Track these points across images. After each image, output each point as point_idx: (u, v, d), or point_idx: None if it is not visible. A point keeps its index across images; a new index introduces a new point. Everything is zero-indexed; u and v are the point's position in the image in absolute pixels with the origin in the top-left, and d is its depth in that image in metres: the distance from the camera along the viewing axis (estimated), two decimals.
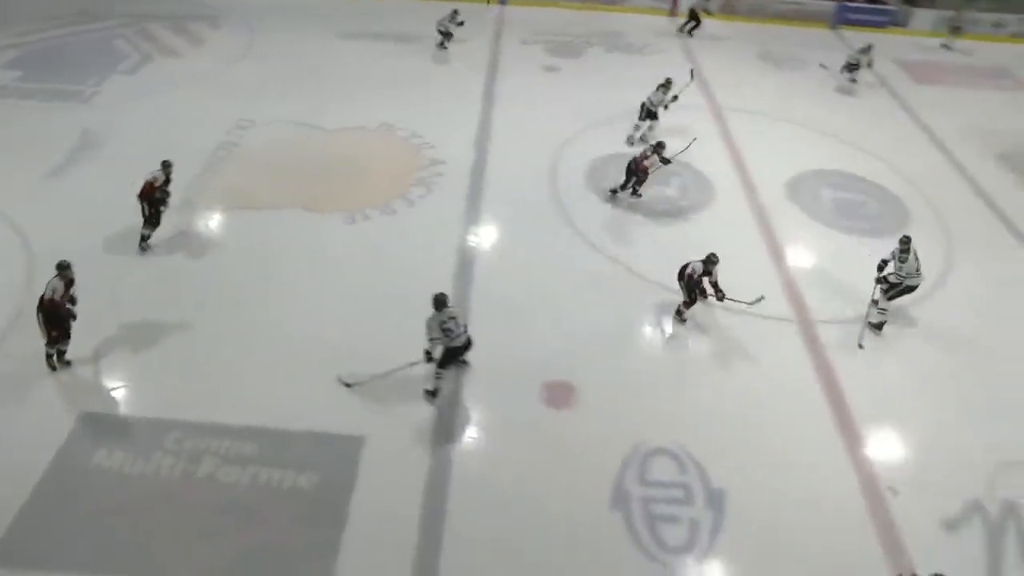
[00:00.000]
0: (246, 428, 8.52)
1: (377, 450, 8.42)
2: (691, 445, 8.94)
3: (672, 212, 12.97)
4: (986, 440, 9.43)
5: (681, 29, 20.85)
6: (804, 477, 8.77)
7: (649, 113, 14.44)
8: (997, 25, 22.95)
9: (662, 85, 14.49)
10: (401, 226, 12.00)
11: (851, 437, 9.35)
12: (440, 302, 8.57)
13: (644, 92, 14.80)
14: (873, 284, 10.74)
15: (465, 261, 11.35)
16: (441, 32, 17.81)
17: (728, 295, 10.32)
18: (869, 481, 8.83)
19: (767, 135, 15.67)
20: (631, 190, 12.79)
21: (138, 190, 10.57)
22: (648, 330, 10.58)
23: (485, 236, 12.01)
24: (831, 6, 22.43)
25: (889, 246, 11.84)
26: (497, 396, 9.29)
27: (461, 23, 17.92)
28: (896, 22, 22.79)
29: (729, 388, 9.79)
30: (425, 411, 8.99)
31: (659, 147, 12.57)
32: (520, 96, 16.39)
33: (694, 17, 20.77)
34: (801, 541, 8.12)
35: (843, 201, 13.88)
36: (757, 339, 10.55)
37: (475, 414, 9.09)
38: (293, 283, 10.63)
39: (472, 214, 12.44)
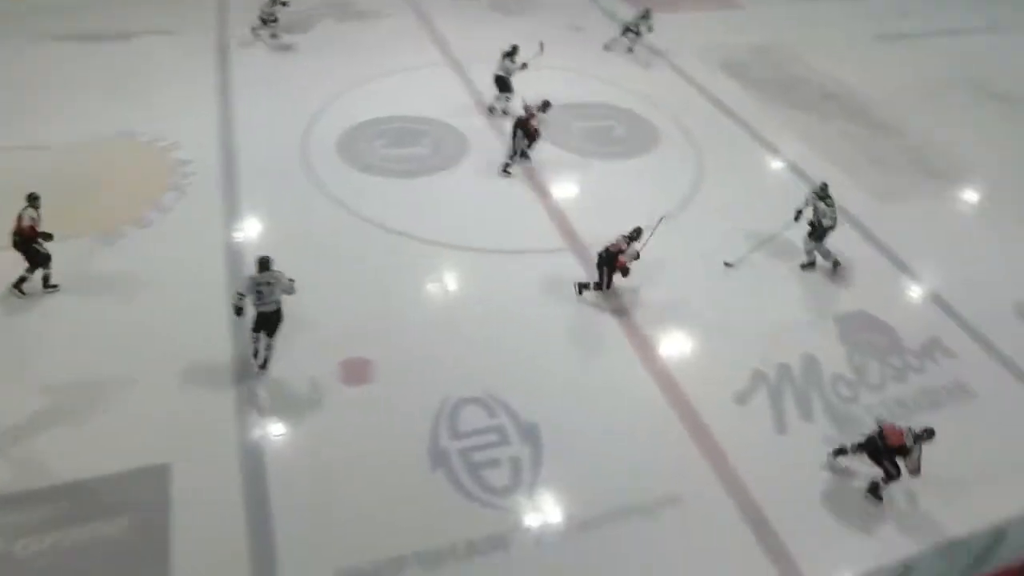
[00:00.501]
0: (31, 492, 7.76)
1: (185, 472, 8.01)
2: (495, 389, 9.31)
3: (428, 169, 13.22)
4: (756, 326, 10.74)
5: None
6: (608, 396, 9.48)
7: (503, 82, 14.52)
8: None
9: (508, 53, 14.50)
10: (161, 236, 11.26)
11: (643, 349, 10.21)
12: (263, 264, 8.74)
13: (384, 58, 14.74)
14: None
15: (233, 256, 10.89)
16: (264, 20, 17.07)
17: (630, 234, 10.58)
18: (668, 386, 9.72)
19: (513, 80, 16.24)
20: (520, 154, 13.01)
21: (11, 235, 9.65)
22: (429, 289, 10.83)
23: (249, 227, 11.61)
24: None
25: (642, 165, 12.79)
26: (297, 384, 9.15)
27: (285, 3, 17.19)
28: None
29: (524, 328, 10.28)
30: (227, 419, 8.62)
31: (545, 106, 12.89)
32: (259, 80, 15.75)
33: None
34: (618, 453, 8.79)
35: (593, 129, 14.85)
36: (540, 276, 11.15)
37: (276, 406, 8.86)
38: (59, 319, 9.66)
39: (231, 208, 11.95)
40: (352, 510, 7.93)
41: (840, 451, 8.96)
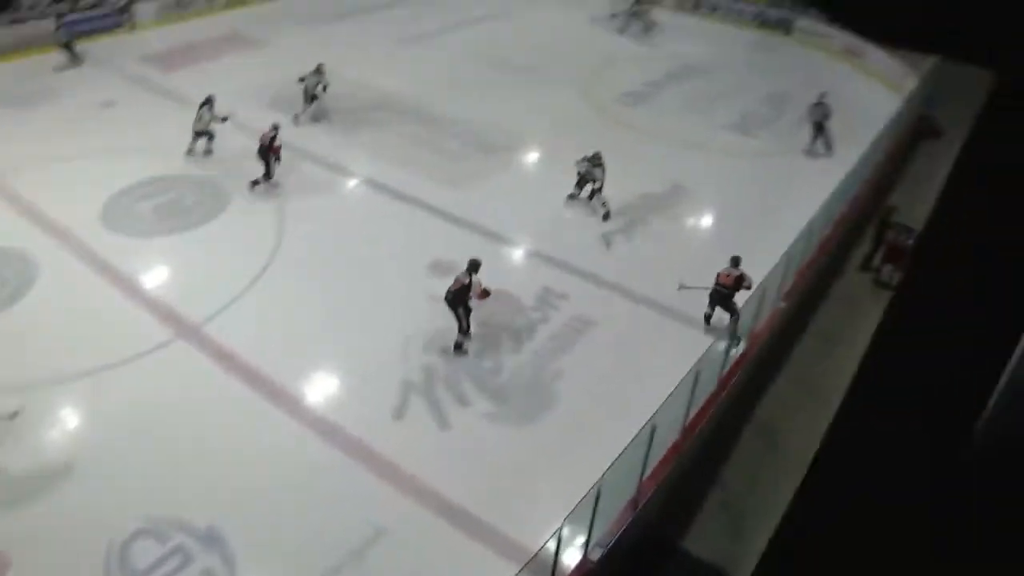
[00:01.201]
0: None
1: None
2: (156, 509, 8.32)
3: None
4: (384, 337, 10.95)
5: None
6: (275, 464, 9.09)
7: (312, 97, 16.85)
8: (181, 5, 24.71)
9: (315, 71, 17.15)
10: None
11: (289, 405, 9.88)
12: None
13: None
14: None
15: None
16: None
17: None
18: (326, 430, 9.57)
19: (41, 181, 14.48)
20: (267, 176, 14.38)
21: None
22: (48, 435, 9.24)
23: None
24: (51, 26, 20.90)
25: (218, 228, 12.31)
26: None
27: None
28: (120, 23, 22.68)
29: (163, 433, 9.32)
30: None
31: (275, 128, 14.48)
32: None
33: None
34: (308, 513, 8.52)
35: (159, 207, 13.86)
36: (150, 374, 10.19)
37: None
38: None
39: None
40: None
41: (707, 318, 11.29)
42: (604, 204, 14.36)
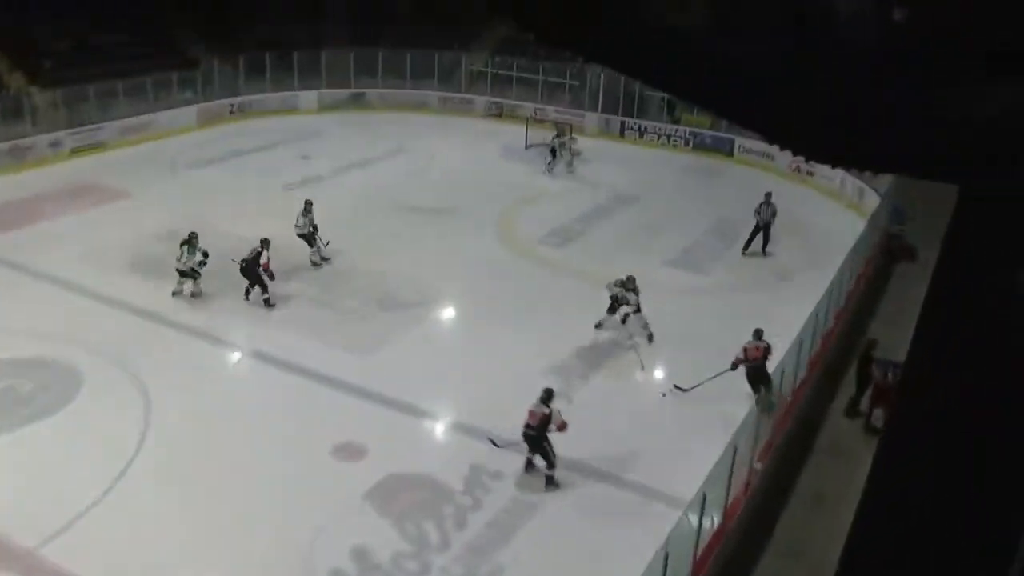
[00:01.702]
0: None
1: None
2: None
3: None
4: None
5: None
6: None
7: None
8: (55, 144, 25.28)
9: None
10: None
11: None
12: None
13: None
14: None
15: None
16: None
17: None
18: None
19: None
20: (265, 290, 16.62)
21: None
22: None
23: None
24: None
25: (63, 422, 11.80)
26: None
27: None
28: None
29: None
30: None
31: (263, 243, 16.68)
32: None
33: None
34: None
35: None
36: None
37: None
38: None
39: None
40: None
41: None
42: (646, 326, 15.82)
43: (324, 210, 18.94)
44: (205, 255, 16.64)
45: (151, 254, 18.61)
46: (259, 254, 16.75)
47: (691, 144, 29.78)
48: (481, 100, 34.12)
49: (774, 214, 20.35)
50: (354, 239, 19.74)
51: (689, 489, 10.97)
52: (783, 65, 2.07)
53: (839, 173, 23.38)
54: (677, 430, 13.23)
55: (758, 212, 20.43)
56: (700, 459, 11.20)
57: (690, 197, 24.37)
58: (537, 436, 11.67)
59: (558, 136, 27.09)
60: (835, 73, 1.97)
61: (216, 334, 15.70)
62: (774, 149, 2.24)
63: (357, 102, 33.92)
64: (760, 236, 20.27)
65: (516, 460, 12.29)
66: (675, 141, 30.17)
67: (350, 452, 12.28)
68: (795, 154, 2.27)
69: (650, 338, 15.78)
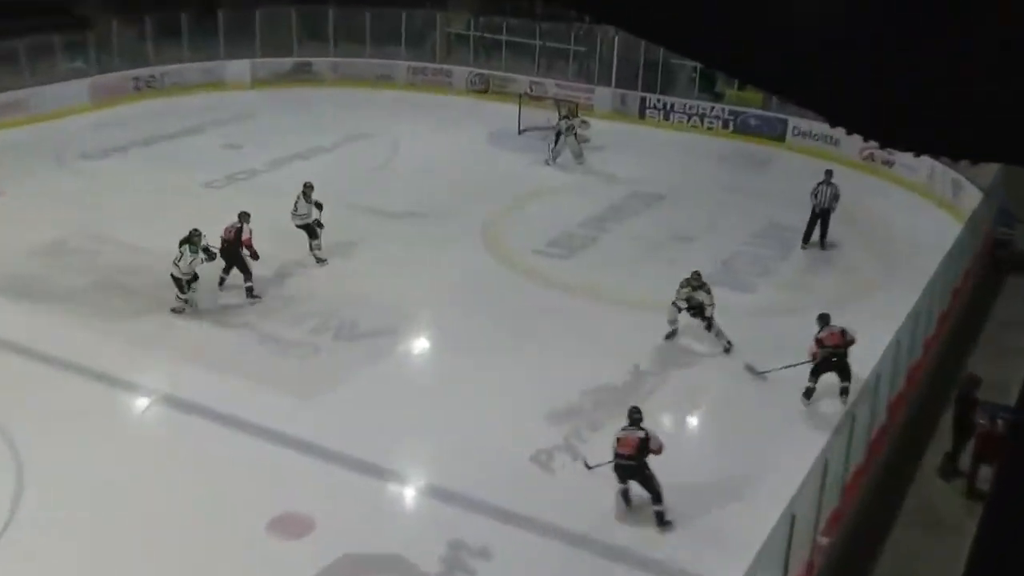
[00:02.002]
0: None
1: None
2: None
3: None
4: None
5: None
6: None
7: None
8: None
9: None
10: None
11: None
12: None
13: None
14: None
15: None
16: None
17: None
18: None
19: None
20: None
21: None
22: None
23: None
24: None
25: None
26: None
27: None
28: None
29: None
30: None
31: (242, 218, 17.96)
32: None
33: None
34: None
35: None
36: None
37: None
38: None
39: None
40: None
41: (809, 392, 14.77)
42: (720, 334, 16.74)
43: (258, 217, 18.81)
44: (209, 253, 17.35)
45: (25, 270, 18.47)
46: (239, 230, 17.52)
47: (731, 126, 29.89)
48: (461, 72, 34.32)
49: (836, 197, 20.85)
50: (299, 252, 19.61)
51: (733, 571, 10.82)
52: (862, 24, 1.91)
53: (926, 162, 23.34)
54: (715, 492, 13.08)
55: (815, 194, 20.84)
56: (748, 528, 11.07)
57: (730, 194, 24.37)
58: (638, 465, 12.33)
59: (566, 118, 27.19)
60: (927, 39, 1.85)
61: (118, 372, 15.51)
62: (840, 132, 2.13)
63: (301, 75, 34.09)
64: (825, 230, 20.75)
65: (509, 533, 12.14)
66: (710, 123, 30.32)
67: (292, 526, 12.14)
68: (868, 139, 2.16)
69: (727, 348, 16.63)
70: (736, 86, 29.21)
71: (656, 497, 12.39)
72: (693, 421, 15.31)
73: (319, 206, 19.57)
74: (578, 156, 26.60)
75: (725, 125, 29.97)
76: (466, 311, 17.87)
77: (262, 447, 13.82)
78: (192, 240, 17.07)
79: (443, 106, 32.28)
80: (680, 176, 25.72)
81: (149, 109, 30.29)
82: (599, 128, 28.32)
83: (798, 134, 28.22)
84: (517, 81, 32.76)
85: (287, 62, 34.01)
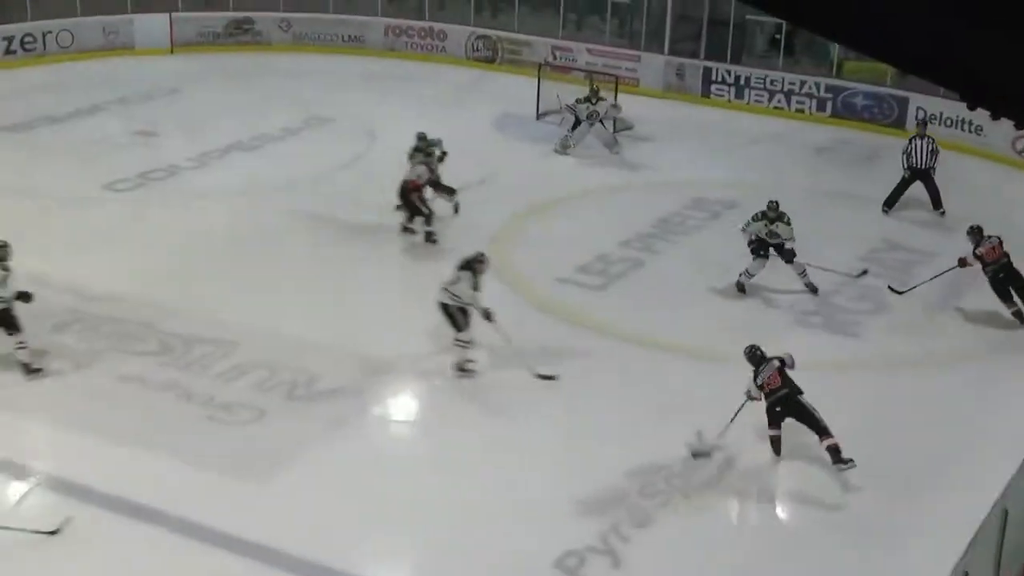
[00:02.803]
0: None
1: None
2: None
3: None
4: None
5: None
6: None
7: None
8: None
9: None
10: None
11: None
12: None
13: None
14: None
15: None
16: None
17: None
18: None
19: None
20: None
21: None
22: None
23: None
24: None
25: None
26: None
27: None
28: None
29: None
30: None
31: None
32: None
33: None
34: None
35: None
36: None
37: None
38: None
39: None
40: None
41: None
42: (804, 273, 20.20)
43: (183, 231, 18.85)
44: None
45: None
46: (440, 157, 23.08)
47: (830, 108, 29.91)
48: (459, 33, 34.55)
49: (934, 153, 23.01)
50: (238, 278, 19.69)
51: None
52: None
53: None
54: None
55: (908, 154, 22.70)
56: None
57: (828, 201, 24.36)
58: (791, 392, 15.11)
59: (588, 101, 27.29)
60: None
61: None
62: (981, 117, 2.18)
63: (240, 36, 34.29)
64: (908, 191, 23.15)
65: None
66: (800, 103, 30.39)
67: None
68: (1021, 126, 2.22)
69: (813, 290, 20.12)
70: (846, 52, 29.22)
71: (823, 430, 14.79)
72: (779, 520, 15.31)
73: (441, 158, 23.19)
74: (611, 145, 26.80)
75: (821, 106, 30.05)
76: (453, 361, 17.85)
77: (184, 545, 13.83)
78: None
79: (434, 80, 32.53)
80: (759, 176, 25.70)
81: (25, 82, 30.53)
82: (646, 110, 28.35)
83: (923, 117, 28.18)
84: (535, 46, 32.92)
85: (220, 18, 34.23)
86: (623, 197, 24.68)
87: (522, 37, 33.41)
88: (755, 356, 15.36)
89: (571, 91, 28.20)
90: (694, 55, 31.63)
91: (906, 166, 23.06)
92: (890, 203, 23.62)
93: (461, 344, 17.21)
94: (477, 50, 33.97)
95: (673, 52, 31.93)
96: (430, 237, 21.72)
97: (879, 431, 15.87)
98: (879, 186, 25.35)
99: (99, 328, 17.95)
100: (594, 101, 27.08)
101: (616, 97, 27.70)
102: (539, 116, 28.97)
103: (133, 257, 19.93)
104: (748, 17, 30.34)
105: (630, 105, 28.01)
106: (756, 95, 30.67)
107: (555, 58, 31.80)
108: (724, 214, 23.58)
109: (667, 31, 32.00)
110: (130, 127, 27.48)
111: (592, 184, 25.38)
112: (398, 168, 25.50)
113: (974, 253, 18.49)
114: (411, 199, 21.75)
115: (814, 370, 16.54)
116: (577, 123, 26.88)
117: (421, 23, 34.61)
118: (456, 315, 17.18)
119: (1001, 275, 18.47)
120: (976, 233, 18.56)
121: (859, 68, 29.51)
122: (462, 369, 17.23)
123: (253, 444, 15.81)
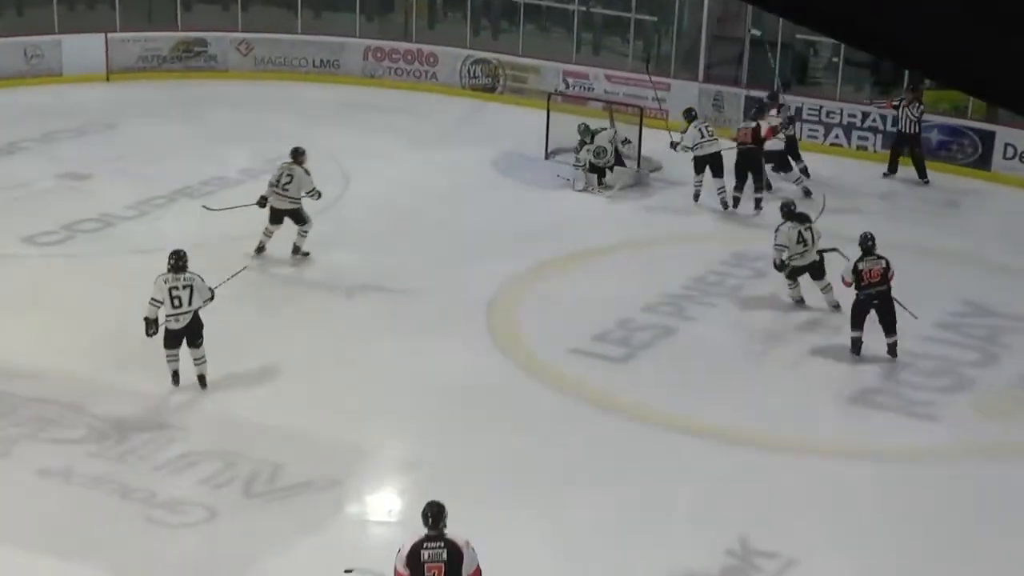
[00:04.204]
0: None
1: None
2: None
3: None
4: None
5: None
6: None
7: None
8: None
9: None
10: None
11: None
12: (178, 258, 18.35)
13: None
14: None
15: None
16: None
17: None
18: None
19: None
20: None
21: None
22: None
23: None
24: None
25: None
26: None
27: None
28: None
29: None
30: None
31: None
32: None
33: None
34: None
35: None
36: None
37: None
38: None
39: None
40: None
41: None
42: (827, 288, 22.35)
43: (115, 290, 18.86)
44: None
45: None
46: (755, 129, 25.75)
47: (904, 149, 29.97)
48: (452, 57, 34.74)
49: (922, 113, 26.50)
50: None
51: None
52: None
53: None
54: None
55: (896, 106, 27.17)
56: None
57: (897, 255, 24.35)
58: (887, 290, 19.99)
59: (588, 138, 27.65)
60: None
61: None
62: None
63: (190, 59, 34.52)
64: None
65: None
66: (862, 139, 30.39)
67: None
68: None
69: (835, 307, 22.11)
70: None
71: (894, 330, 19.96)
72: None
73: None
74: (640, 177, 27.23)
75: (887, 143, 30.04)
76: (463, 448, 17.83)
77: None
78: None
79: (423, 112, 32.65)
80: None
81: None
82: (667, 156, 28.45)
83: (1012, 157, 28.27)
84: (543, 72, 33.08)
85: (166, 38, 34.51)
86: (649, 252, 24.70)
87: (528, 62, 33.60)
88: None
89: (591, 123, 28.28)
90: (733, 82, 31.75)
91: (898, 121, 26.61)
92: (890, 169, 28.52)
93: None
94: (474, 77, 34.18)
95: (708, 79, 32.04)
96: None
97: (961, 533, 15.85)
98: (959, 238, 25.41)
99: (16, 411, 18.03)
100: (589, 140, 27.41)
101: (641, 132, 27.74)
102: (548, 155, 28.97)
103: (58, 324, 19.96)
104: (798, 35, 30.44)
105: (658, 141, 28.00)
106: (809, 129, 30.70)
107: (567, 86, 31.94)
108: (769, 272, 23.55)
109: (702, 54, 32.13)
110: (55, 169, 27.52)
111: (610, 237, 25.39)
112: (375, 217, 25.69)
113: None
114: None
115: (881, 460, 16.48)
116: (595, 156, 26.97)
117: (407, 45, 34.85)
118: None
119: (875, 301, 20.45)
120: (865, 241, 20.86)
121: (936, 98, 29.41)
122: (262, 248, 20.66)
123: (203, 551, 15.84)
